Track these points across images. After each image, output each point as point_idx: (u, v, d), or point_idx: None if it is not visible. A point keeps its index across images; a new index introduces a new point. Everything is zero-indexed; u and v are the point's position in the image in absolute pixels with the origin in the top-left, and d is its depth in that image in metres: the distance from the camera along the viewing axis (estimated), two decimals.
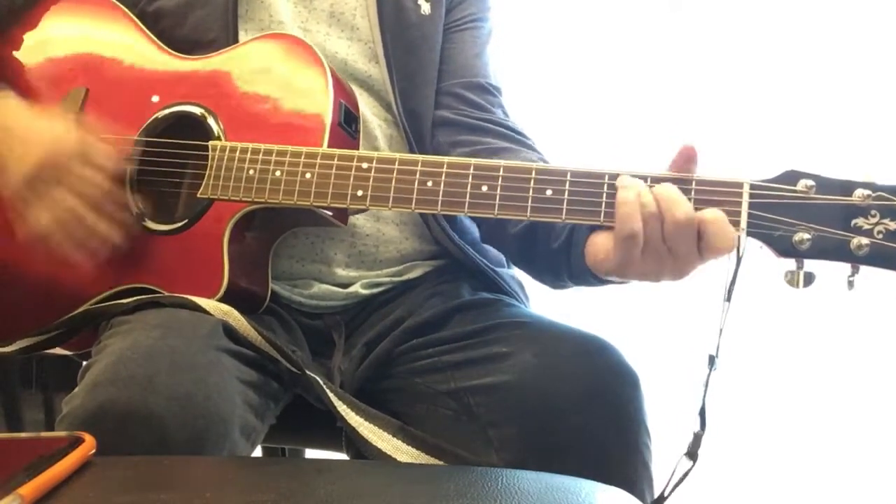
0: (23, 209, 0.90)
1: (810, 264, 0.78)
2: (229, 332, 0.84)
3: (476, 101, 1.07)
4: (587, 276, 0.88)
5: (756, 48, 2.08)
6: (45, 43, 1.05)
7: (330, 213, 0.94)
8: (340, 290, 1.00)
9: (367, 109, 1.04)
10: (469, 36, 1.11)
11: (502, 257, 1.11)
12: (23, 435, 0.73)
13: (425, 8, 1.07)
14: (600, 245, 0.82)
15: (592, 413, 0.83)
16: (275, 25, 1.03)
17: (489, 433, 0.85)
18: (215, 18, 1.01)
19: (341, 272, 1.00)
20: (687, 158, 0.80)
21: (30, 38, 1.06)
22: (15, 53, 1.05)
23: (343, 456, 0.98)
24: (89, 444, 0.63)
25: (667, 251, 0.78)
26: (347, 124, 0.95)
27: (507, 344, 0.90)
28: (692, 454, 0.77)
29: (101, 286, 0.95)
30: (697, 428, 0.78)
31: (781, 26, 2.07)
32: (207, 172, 0.91)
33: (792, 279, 0.78)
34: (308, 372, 0.83)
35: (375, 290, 1.01)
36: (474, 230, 1.07)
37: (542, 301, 1.11)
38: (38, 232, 0.90)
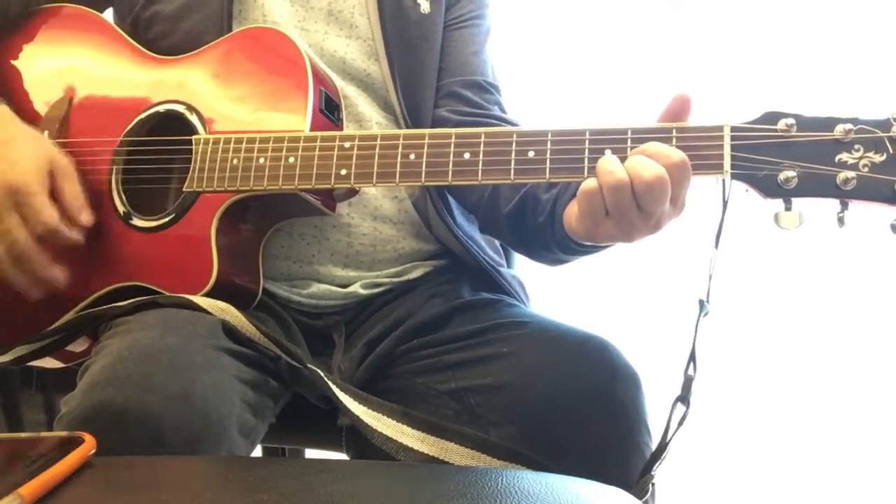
0: None
1: (798, 204, 0.76)
2: (228, 331, 0.84)
3: (474, 99, 1.07)
4: (570, 243, 0.89)
5: (758, 47, 2.08)
6: (31, 55, 1.06)
7: (317, 200, 0.94)
8: (339, 289, 1.00)
9: (366, 108, 1.04)
10: (468, 34, 1.11)
11: (502, 255, 1.10)
12: (23, 435, 0.72)
13: (425, 6, 1.07)
14: (572, 212, 0.83)
15: (593, 413, 0.83)
16: (269, 25, 1.02)
17: (490, 433, 0.85)
18: (212, 22, 1.01)
19: (339, 272, 1.00)
20: (681, 106, 0.80)
21: (19, 49, 1.06)
22: (4, 64, 1.05)
23: (343, 456, 0.98)
24: (89, 444, 0.63)
25: (637, 213, 0.77)
26: (329, 111, 0.95)
27: (507, 344, 0.91)
28: (684, 399, 0.77)
29: (92, 287, 0.95)
30: (690, 371, 0.77)
31: (783, 25, 2.07)
32: (192, 166, 0.91)
33: (781, 220, 0.76)
34: (309, 365, 0.83)
35: (375, 291, 1.01)
36: (475, 228, 1.07)
37: (543, 301, 1.11)
38: None
